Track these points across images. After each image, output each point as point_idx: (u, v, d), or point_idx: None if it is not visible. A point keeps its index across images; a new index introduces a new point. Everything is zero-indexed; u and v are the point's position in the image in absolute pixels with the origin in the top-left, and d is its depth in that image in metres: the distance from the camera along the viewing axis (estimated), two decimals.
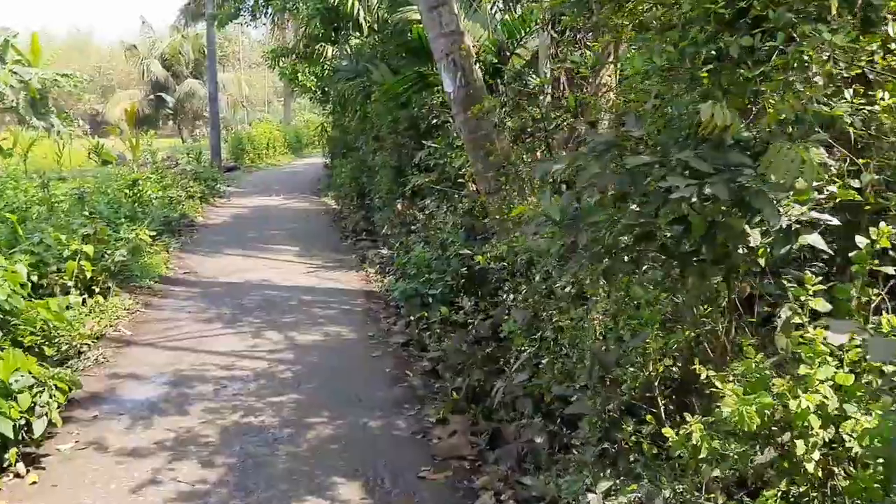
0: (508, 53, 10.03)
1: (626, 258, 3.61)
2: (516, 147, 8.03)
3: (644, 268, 3.90)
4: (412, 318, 7.40)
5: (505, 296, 6.34)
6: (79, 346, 6.89)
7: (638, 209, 3.52)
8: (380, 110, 13.14)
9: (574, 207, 3.59)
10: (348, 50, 16.71)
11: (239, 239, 13.55)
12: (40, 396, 4.77)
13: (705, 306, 3.98)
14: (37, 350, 5.71)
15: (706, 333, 4.08)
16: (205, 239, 13.58)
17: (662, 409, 4.11)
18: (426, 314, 7.26)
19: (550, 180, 6.39)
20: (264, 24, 29.71)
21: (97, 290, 8.49)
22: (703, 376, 3.27)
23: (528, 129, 7.71)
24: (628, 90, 6.08)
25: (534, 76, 8.72)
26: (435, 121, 11.35)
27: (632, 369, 4.31)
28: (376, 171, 14.62)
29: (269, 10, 24.58)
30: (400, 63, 13.14)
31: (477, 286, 7.58)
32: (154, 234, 11.32)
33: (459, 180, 9.89)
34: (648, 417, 4.01)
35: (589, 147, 3.59)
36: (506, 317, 5.81)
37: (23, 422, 4.68)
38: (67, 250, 8.22)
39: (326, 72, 18.48)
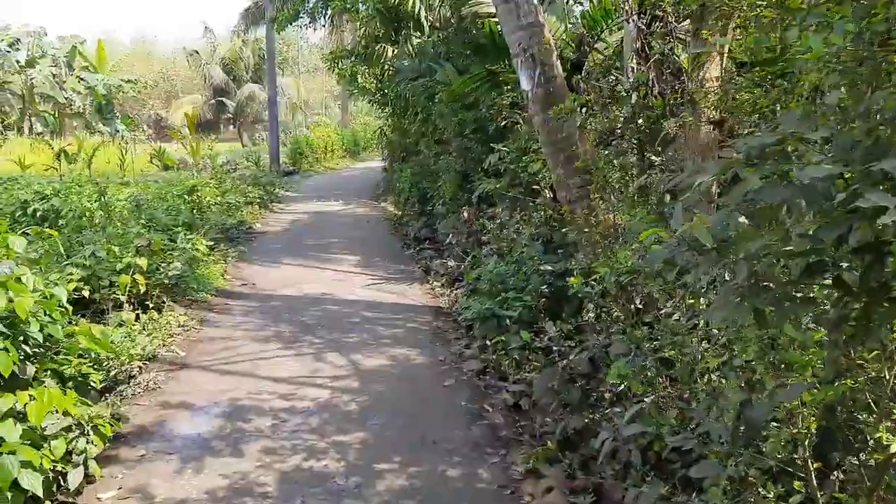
0: (588, 48, 9.21)
1: (794, 294, 2.82)
2: (604, 150, 7.24)
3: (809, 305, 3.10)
4: (488, 342, 6.65)
5: (596, 321, 5.57)
6: (129, 370, 6.37)
7: (809, 233, 2.72)
8: (444, 112, 12.48)
9: (726, 229, 2.82)
10: (409, 50, 16.09)
11: (297, 247, 13.05)
12: (78, 442, 4.21)
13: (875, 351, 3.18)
14: (80, 379, 5.17)
15: (868, 382, 3.29)
16: (263, 247, 13.12)
17: (814, 473, 3.35)
18: (503, 338, 6.51)
19: (660, 191, 5.58)
20: (323, 27, 29.48)
21: (151, 305, 8.02)
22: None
23: (618, 130, 6.90)
24: (742, 84, 5.28)
25: (619, 72, 7.92)
26: (504, 122, 10.65)
27: (776, 425, 3.54)
28: (439, 175, 13.96)
29: (328, 12, 24.29)
30: (466, 62, 12.47)
31: (561, 308, 6.82)
32: (211, 243, 10.87)
33: (534, 187, 9.16)
34: (797, 484, 3.26)
35: (744, 151, 2.81)
36: (605, 350, 5.02)
37: (58, 470, 4.13)
38: (120, 263, 7.76)
39: (387, 73, 17.89)
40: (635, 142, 6.78)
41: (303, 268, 11.27)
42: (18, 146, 31.43)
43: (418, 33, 18.46)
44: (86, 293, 7.41)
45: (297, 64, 60.64)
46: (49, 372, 4.92)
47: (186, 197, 14.95)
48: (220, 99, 49.27)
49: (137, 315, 7.80)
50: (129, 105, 55.58)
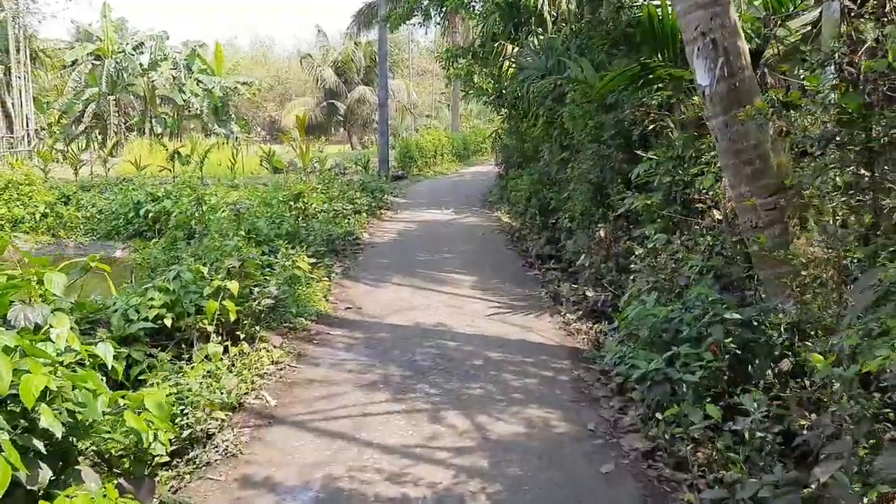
0: (770, 34, 7.45)
1: None
2: (809, 162, 5.54)
3: None
4: (658, 416, 5.08)
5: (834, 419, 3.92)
6: (207, 425, 5.20)
7: None
8: (576, 114, 10.92)
9: None
10: (533, 46, 14.59)
11: (407, 263, 11.83)
12: None
13: None
14: (132, 460, 4.01)
15: None
16: (370, 262, 11.96)
17: None
18: (678, 409, 4.93)
19: None
20: (437, 24, 28.43)
21: (242, 335, 6.91)
22: None
23: (836, 138, 5.18)
24: None
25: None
26: (653, 126, 9.04)
27: None
28: (566, 186, 12.42)
29: (443, 9, 23.14)
30: (606, 57, 10.89)
31: (747, 369, 5.17)
32: (314, 261, 9.77)
33: (697, 205, 7.51)
34: None
35: None
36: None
37: None
38: (209, 287, 6.68)
39: (508, 72, 16.45)
40: (860, 152, 5.08)
41: (413, 289, 9.99)
42: (137, 147, 32.07)
43: (540, 29, 17.02)
44: (168, 322, 6.36)
45: (408, 67, 60.26)
46: (93, 453, 3.75)
47: (292, 203, 14.06)
48: (331, 101, 49.38)
49: (226, 347, 6.71)
50: (244, 107, 56.81)
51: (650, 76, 7.93)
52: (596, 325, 7.94)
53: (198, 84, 44.61)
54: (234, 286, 6.65)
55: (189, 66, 45.58)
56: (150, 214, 21.17)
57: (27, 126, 36.46)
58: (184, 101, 43.42)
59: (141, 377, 6.02)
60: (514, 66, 15.65)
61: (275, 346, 7.14)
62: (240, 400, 5.81)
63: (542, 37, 15.63)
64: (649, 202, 7.79)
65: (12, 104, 34.98)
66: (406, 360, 6.92)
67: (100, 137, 39.64)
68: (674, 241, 7.14)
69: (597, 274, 9.45)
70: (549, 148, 14.29)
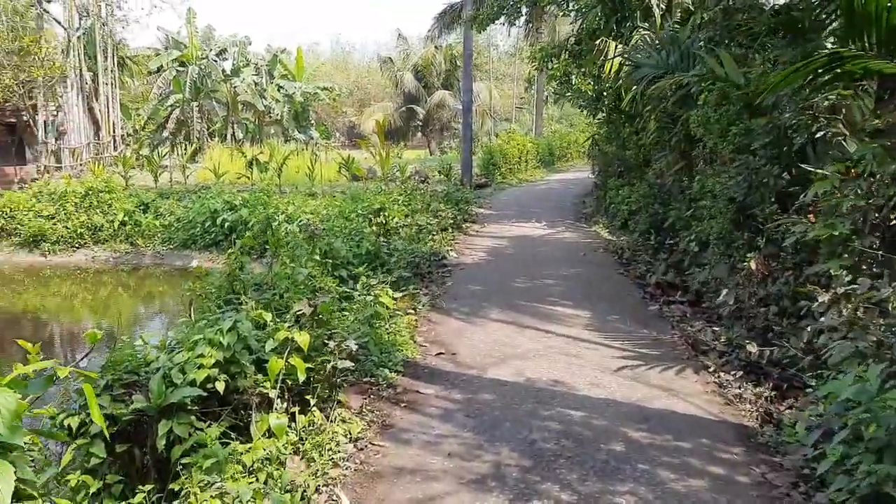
0: None
1: None
2: None
3: None
4: None
5: None
6: None
7: None
8: (710, 118, 9.12)
9: None
10: (649, 41, 12.79)
11: (503, 291, 10.25)
12: None
13: None
14: None
15: None
16: (460, 288, 10.42)
17: None
18: None
19: None
20: (521, 27, 26.83)
21: (313, 400, 5.46)
22: None
23: None
24: None
25: None
26: (821, 133, 7.23)
27: None
28: (691, 202, 10.62)
29: (534, 6, 21.51)
30: (749, 48, 9.08)
31: None
32: (398, 295, 8.30)
33: None
34: None
35: None
36: None
37: None
38: (272, 340, 5.26)
39: (610, 72, 14.68)
40: None
41: (516, 327, 8.39)
42: (217, 153, 31.62)
43: (646, 24, 15.20)
44: (220, 386, 4.97)
45: (488, 70, 58.75)
46: None
47: (372, 218, 12.71)
48: (410, 106, 48.39)
49: (293, 415, 5.28)
50: (324, 113, 56.48)
51: (839, 70, 6.08)
52: (759, 389, 6.17)
53: (279, 90, 44.31)
54: (303, 339, 5.20)
55: (270, 72, 45.37)
56: (227, 224, 20.35)
57: (114, 132, 36.71)
58: (265, 106, 43.15)
59: (185, 460, 4.66)
60: (621, 64, 13.87)
61: (353, 412, 5.67)
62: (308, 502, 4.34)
63: (647, 31, 13.85)
64: (838, 233, 5.96)
65: (99, 111, 35.21)
66: (521, 438, 5.33)
67: (183, 143, 39.65)
68: (881, 288, 5.33)
69: (746, 315, 7.66)
70: (664, 157, 12.48)
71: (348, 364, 5.45)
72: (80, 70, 31.77)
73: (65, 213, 21.54)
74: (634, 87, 12.42)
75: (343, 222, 13.70)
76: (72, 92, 30.72)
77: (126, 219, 21.68)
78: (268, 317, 5.56)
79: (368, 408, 5.82)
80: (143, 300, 18.62)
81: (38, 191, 22.14)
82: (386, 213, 12.91)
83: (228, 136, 41.23)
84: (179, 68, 41.17)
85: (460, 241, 14.62)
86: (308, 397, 5.42)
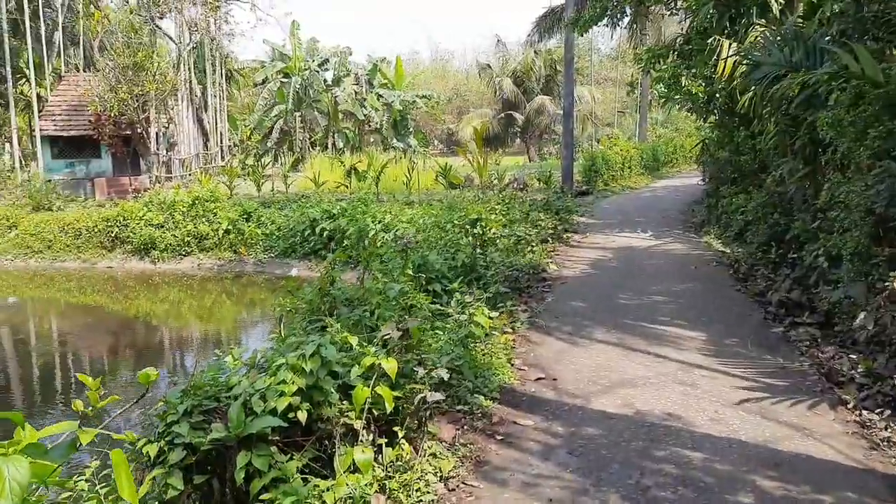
0: None
1: None
2: None
3: None
4: None
5: None
6: None
7: None
8: (843, 120, 8.17)
9: None
10: (769, 37, 11.78)
11: (608, 308, 9.57)
12: None
13: None
14: None
15: None
16: (561, 305, 9.81)
17: None
18: None
19: None
20: (633, 24, 25.88)
21: (401, 432, 5.03)
22: None
23: None
24: None
25: None
26: None
27: None
28: (817, 212, 9.64)
29: (639, 6, 20.61)
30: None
31: None
32: (494, 314, 7.79)
33: None
34: None
35: None
36: None
37: None
38: (358, 366, 4.88)
39: (724, 72, 13.68)
40: None
41: (623, 349, 7.72)
42: (318, 162, 32.13)
43: (762, 21, 14.13)
44: (302, 416, 4.61)
45: (589, 75, 57.52)
46: None
47: (468, 228, 12.27)
48: (508, 112, 47.88)
49: (380, 447, 4.87)
50: (423, 121, 56.78)
51: None
52: None
53: (378, 98, 44.76)
54: (390, 366, 4.79)
55: (370, 81, 45.92)
56: (326, 233, 20.46)
57: (221, 143, 38.04)
58: (364, 115, 43.67)
59: (265, 496, 4.33)
60: (736, 63, 12.88)
61: (445, 445, 5.21)
62: None
63: (764, 27, 12.80)
64: None
65: (208, 122, 36.54)
66: (632, 484, 4.71)
67: (287, 153, 40.63)
68: None
69: (889, 342, 6.72)
70: (786, 162, 11.45)
71: (438, 396, 4.98)
72: (190, 83, 33.02)
73: (173, 222, 22.25)
74: (752, 87, 11.49)
75: (438, 233, 13.35)
76: (182, 104, 31.94)
77: (230, 227, 22.19)
78: (354, 340, 5.18)
79: (461, 440, 5.34)
80: (245, 308, 18.90)
81: (149, 200, 22.99)
82: (483, 224, 12.46)
83: (329, 146, 41.95)
84: (283, 79, 42.25)
85: (561, 252, 13.97)
86: (396, 428, 4.99)
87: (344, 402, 4.87)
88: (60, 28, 36.56)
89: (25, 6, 30.30)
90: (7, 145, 32.85)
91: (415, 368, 5.24)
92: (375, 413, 4.88)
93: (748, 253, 12.27)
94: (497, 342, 7.52)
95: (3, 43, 30.03)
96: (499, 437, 5.47)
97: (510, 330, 8.25)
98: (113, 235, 22.59)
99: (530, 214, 15.62)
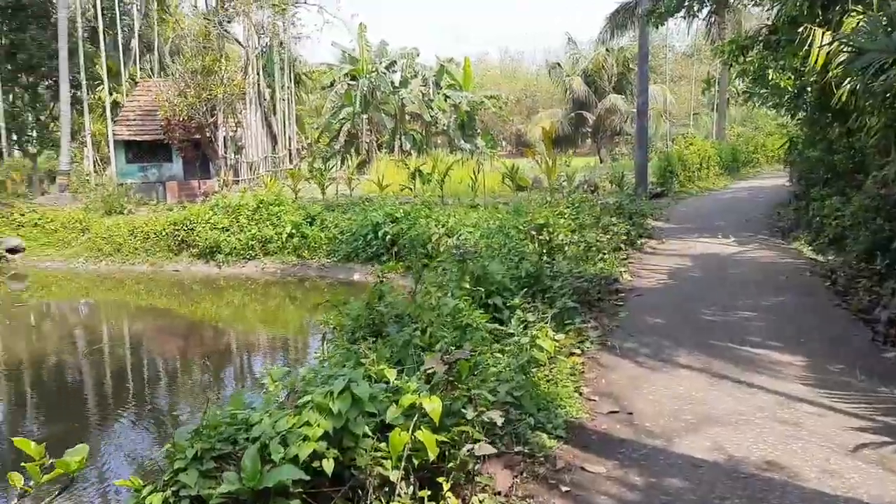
0: None
1: None
2: None
3: None
4: None
5: None
6: None
7: None
8: None
9: None
10: (871, 20, 10.52)
11: (689, 324, 8.59)
12: None
13: None
14: None
15: None
16: (637, 321, 8.87)
17: None
18: None
19: None
20: (712, 15, 24.46)
21: (447, 484, 4.26)
22: None
23: None
24: None
25: None
26: None
27: None
28: None
29: None
30: None
31: None
32: (559, 336, 6.94)
33: None
34: None
35: None
36: None
37: None
38: (395, 406, 4.14)
39: (815, 64, 12.41)
40: None
41: (709, 376, 6.77)
42: (383, 165, 31.75)
43: (859, 7, 12.79)
44: (328, 466, 3.90)
45: (663, 72, 55.61)
46: None
47: (534, 234, 11.43)
48: (579, 111, 46.56)
49: (422, 501, 4.12)
50: (491, 122, 56.01)
51: None
52: None
53: (445, 100, 44.20)
54: (434, 408, 4.04)
55: (438, 83, 45.42)
56: (388, 236, 19.93)
57: (289, 146, 38.15)
58: (431, 117, 43.18)
59: None
60: (830, 53, 11.63)
61: (500, 500, 4.42)
62: None
63: (862, 14, 11.51)
64: None
65: (276, 125, 36.68)
66: None
67: (353, 156, 40.53)
68: None
69: None
70: (892, 162, 10.19)
71: (489, 450, 4.19)
72: (259, 87, 33.14)
73: (238, 226, 22.14)
74: (851, 78, 10.27)
75: (502, 238, 12.57)
76: (250, 108, 32.07)
77: (293, 231, 21.93)
78: (391, 375, 4.45)
79: (518, 492, 4.55)
80: (308, 313, 18.53)
81: (215, 204, 22.95)
82: (550, 229, 11.59)
83: (396, 148, 41.61)
84: (351, 82, 42.15)
85: (635, 260, 12.97)
86: (441, 479, 4.24)
87: (382, 444, 4.15)
88: (136, 35, 37.38)
89: (100, 15, 30.96)
90: (84, 150, 33.69)
91: (463, 408, 4.47)
92: (416, 462, 4.13)
93: (846, 262, 11.04)
94: (563, 366, 6.68)
95: (79, 50, 30.75)
96: (564, 489, 4.65)
97: (578, 351, 7.39)
98: (180, 239, 22.64)
99: (601, 219, 14.64)
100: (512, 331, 6.67)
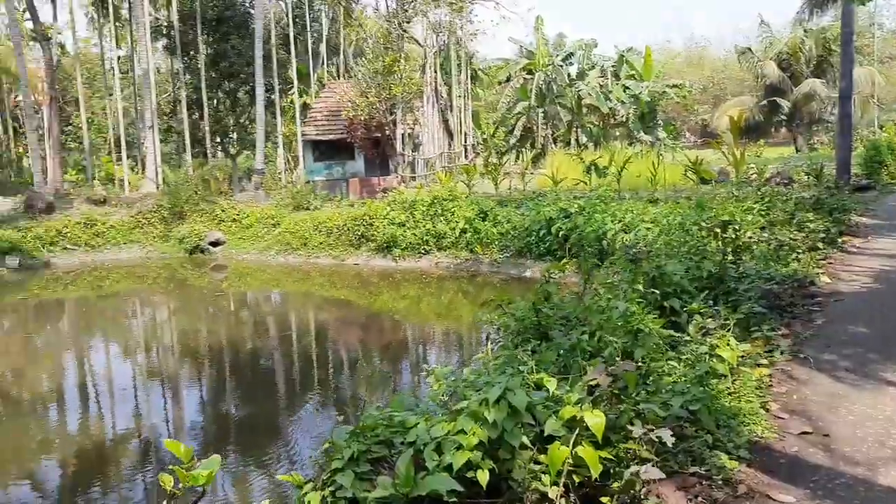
0: None
1: None
2: None
3: None
4: None
5: None
6: None
7: None
8: None
9: None
10: None
11: None
12: None
13: None
14: None
15: None
16: (835, 329, 7.92)
17: None
18: None
19: None
20: None
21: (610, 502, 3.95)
22: None
23: None
24: None
25: None
26: None
27: None
28: None
29: None
30: None
31: None
32: (744, 346, 6.30)
33: None
34: None
35: None
36: None
37: None
38: (555, 419, 3.89)
39: None
40: None
41: None
42: (558, 159, 31.30)
43: None
44: (482, 477, 3.73)
45: (870, 54, 50.30)
46: None
47: (718, 231, 10.61)
48: (772, 99, 43.27)
49: None
50: (675, 112, 53.60)
51: None
52: None
53: (624, 90, 42.83)
54: (596, 423, 3.74)
55: (616, 73, 44.13)
56: (561, 232, 19.55)
57: (465, 142, 38.72)
58: (609, 109, 42.03)
59: None
60: None
61: None
62: None
63: None
64: None
65: (453, 121, 37.34)
66: None
67: (529, 150, 40.36)
68: None
69: None
70: None
71: (656, 474, 3.81)
72: (436, 84, 33.87)
73: (413, 221, 22.73)
74: None
75: (682, 235, 11.82)
76: (427, 105, 32.86)
77: (466, 226, 22.17)
78: (551, 385, 4.19)
79: None
80: (478, 308, 18.65)
81: (392, 200, 23.74)
82: (736, 226, 10.70)
83: (572, 141, 40.92)
84: (527, 76, 42.01)
85: (835, 260, 11.68)
86: (604, 499, 3.93)
87: (541, 458, 3.92)
88: (324, 39, 39.58)
89: (291, 23, 33.03)
90: (277, 150, 36.20)
91: (630, 423, 4.11)
92: (576, 479, 3.86)
93: None
94: (747, 379, 6.05)
95: (272, 56, 33.01)
96: None
97: (765, 362, 6.68)
98: (359, 234, 23.67)
99: (796, 215, 13.35)
100: (689, 337, 6.16)
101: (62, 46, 47.37)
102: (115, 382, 12.71)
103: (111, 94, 40.58)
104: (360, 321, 17.42)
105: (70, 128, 45.57)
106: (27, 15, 34.27)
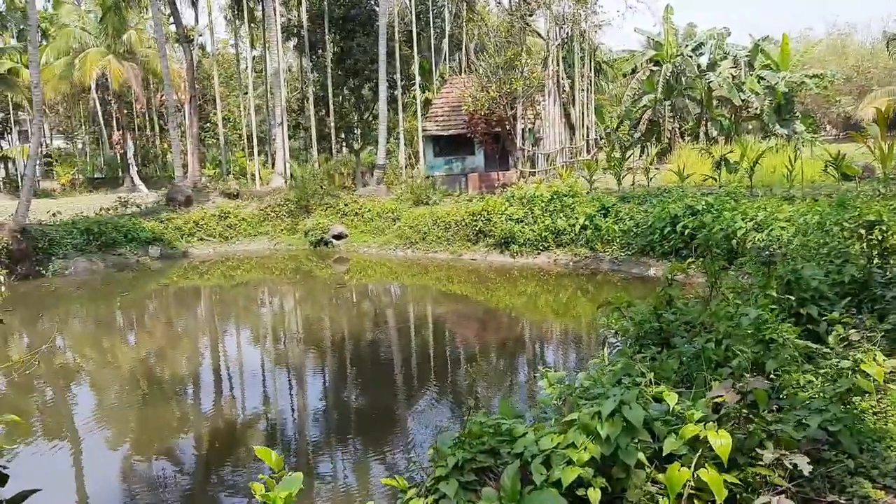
0: None
1: None
2: None
3: None
4: None
5: None
6: None
7: None
8: None
9: None
10: None
11: None
12: None
13: None
14: None
15: None
16: None
17: None
18: None
19: None
20: None
21: None
22: None
23: None
24: None
25: None
26: None
27: None
28: None
29: None
30: None
31: None
32: (892, 362, 5.70)
33: None
34: None
35: None
36: None
37: None
38: (675, 438, 3.61)
39: None
40: None
41: None
42: (685, 154, 30.05)
43: None
44: (594, 496, 3.51)
45: None
46: None
47: (862, 233, 9.76)
48: None
49: None
50: (815, 104, 50.29)
51: None
52: None
53: (759, 81, 40.55)
54: (721, 444, 3.43)
55: (750, 63, 41.85)
56: (687, 231, 18.70)
57: (587, 136, 37.92)
58: (742, 100, 39.94)
59: None
60: None
61: None
62: None
63: None
64: None
65: (575, 115, 36.66)
66: None
67: (654, 144, 39.04)
68: None
69: None
70: None
71: None
72: (558, 78, 33.33)
73: (532, 217, 22.45)
74: None
75: (821, 237, 10.99)
76: (549, 99, 32.39)
77: (587, 223, 21.65)
78: (672, 400, 3.90)
79: None
80: (599, 308, 18.19)
81: (511, 195, 23.54)
82: (883, 227, 9.79)
83: (701, 135, 39.21)
84: (654, 68, 40.62)
85: None
86: None
87: (659, 477, 3.66)
88: (447, 35, 39.86)
89: (414, 19, 33.43)
90: (399, 145, 36.81)
91: (760, 446, 3.77)
92: (698, 503, 3.57)
93: None
94: (893, 400, 5.48)
95: (396, 53, 33.57)
96: None
97: None
98: (477, 229, 23.63)
99: None
100: (829, 349, 5.64)
101: (202, 48, 50.33)
102: (245, 367, 13.31)
103: (245, 93, 42.69)
104: (477, 316, 17.39)
105: (208, 125, 48.39)
106: (171, 19, 36.57)
